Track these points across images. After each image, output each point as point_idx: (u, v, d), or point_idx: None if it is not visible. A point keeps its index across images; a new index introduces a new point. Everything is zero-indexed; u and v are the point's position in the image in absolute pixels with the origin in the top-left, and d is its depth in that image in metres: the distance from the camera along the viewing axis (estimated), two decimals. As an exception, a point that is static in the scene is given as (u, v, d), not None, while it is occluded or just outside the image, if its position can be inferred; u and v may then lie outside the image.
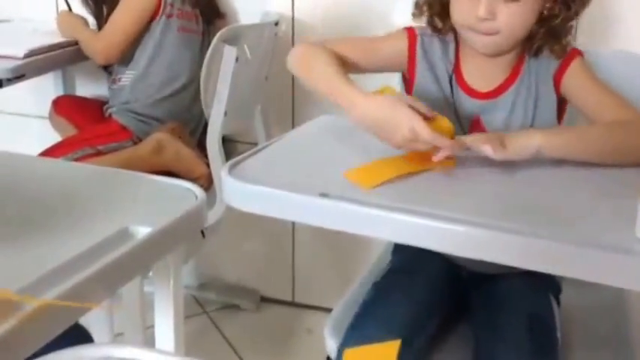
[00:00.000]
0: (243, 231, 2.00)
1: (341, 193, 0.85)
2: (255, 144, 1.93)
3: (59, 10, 1.98)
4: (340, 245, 2.02)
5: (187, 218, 0.82)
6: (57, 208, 0.81)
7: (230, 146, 1.81)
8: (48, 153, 1.65)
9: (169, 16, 1.68)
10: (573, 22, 1.12)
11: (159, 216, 0.79)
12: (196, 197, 0.86)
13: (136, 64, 1.71)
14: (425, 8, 1.14)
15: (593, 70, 1.13)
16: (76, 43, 1.73)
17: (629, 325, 1.15)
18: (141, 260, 0.75)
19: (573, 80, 1.11)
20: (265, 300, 2.13)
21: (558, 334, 1.05)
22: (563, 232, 0.77)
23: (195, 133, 1.78)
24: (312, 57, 1.09)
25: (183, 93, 1.73)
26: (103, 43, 1.68)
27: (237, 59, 1.45)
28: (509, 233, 0.77)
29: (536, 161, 0.97)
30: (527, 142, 0.97)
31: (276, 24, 1.72)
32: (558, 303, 1.13)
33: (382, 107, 0.94)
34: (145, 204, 0.84)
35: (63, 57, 1.69)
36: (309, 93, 1.85)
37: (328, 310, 1.83)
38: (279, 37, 1.77)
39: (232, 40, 1.45)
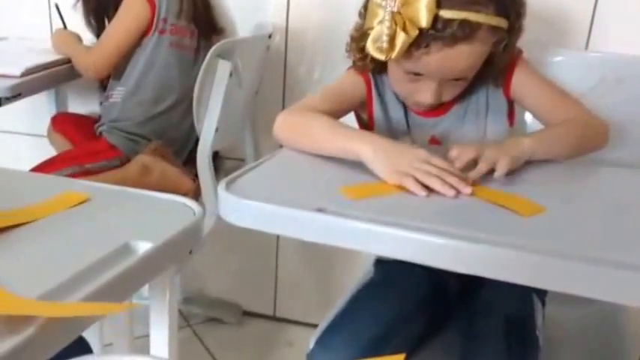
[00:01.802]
0: (226, 245, 1.97)
1: (337, 208, 0.83)
2: (243, 160, 1.91)
3: (54, 28, 1.95)
4: (323, 260, 2.00)
5: (186, 233, 0.79)
6: (57, 224, 0.78)
7: (218, 162, 1.78)
8: (37, 170, 1.60)
9: (162, 32, 1.64)
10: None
11: (158, 231, 0.76)
12: (194, 212, 0.84)
13: (126, 80, 1.67)
14: (353, 45, 1.12)
15: (535, 68, 1.14)
16: (70, 60, 1.69)
17: (620, 336, 1.15)
18: (142, 275, 0.72)
19: (521, 82, 1.11)
20: (248, 314, 2.10)
21: (538, 333, 1.03)
22: (552, 245, 0.76)
23: (184, 150, 1.75)
24: (301, 123, 1.06)
25: (172, 111, 1.69)
26: (93, 57, 1.64)
27: (230, 74, 1.43)
28: (502, 247, 0.75)
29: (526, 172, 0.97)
30: (522, 149, 0.97)
31: (270, 37, 1.70)
32: (543, 303, 1.12)
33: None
34: (144, 219, 0.82)
35: (58, 75, 1.64)
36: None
37: (309, 325, 1.82)
38: (271, 49, 1.75)
39: (226, 54, 1.43)
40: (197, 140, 1.55)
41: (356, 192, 0.88)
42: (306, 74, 1.83)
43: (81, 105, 1.99)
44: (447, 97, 1.07)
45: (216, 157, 1.66)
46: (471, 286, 1.13)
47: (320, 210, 0.83)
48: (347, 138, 0.97)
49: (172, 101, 1.68)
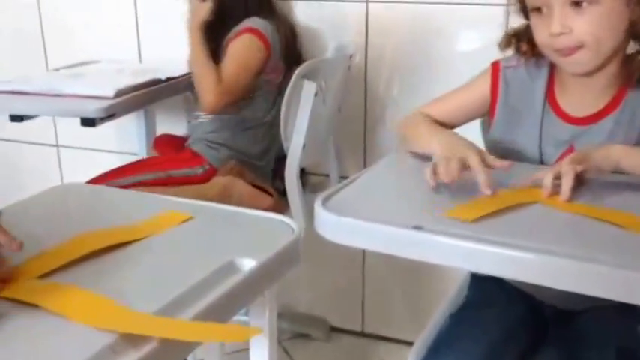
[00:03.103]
0: (314, 261, 2.00)
1: (434, 225, 0.84)
2: (327, 175, 1.95)
3: (141, 50, 2.06)
4: (411, 275, 2.00)
5: (287, 250, 0.82)
6: (164, 242, 0.83)
7: (304, 178, 1.82)
8: (123, 172, 1.67)
9: (270, 72, 1.68)
10: None
11: (261, 249, 0.80)
12: (293, 230, 0.87)
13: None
14: (513, 40, 1.14)
15: None
16: (164, 80, 1.76)
17: None
18: (247, 292, 0.75)
19: None
20: (335, 330, 2.12)
21: None
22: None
23: (266, 167, 1.80)
24: (409, 124, 1.19)
25: (257, 129, 1.74)
26: (218, 99, 1.61)
27: (315, 93, 1.47)
28: (593, 263, 0.74)
29: (624, 190, 0.94)
30: (608, 153, 0.95)
31: (351, 57, 1.73)
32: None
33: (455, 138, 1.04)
34: (246, 237, 0.85)
35: (149, 96, 1.72)
36: (381, 125, 1.89)
37: (398, 341, 1.81)
38: (352, 68, 1.79)
39: (311, 75, 1.47)
40: (278, 156, 1.61)
41: (461, 212, 0.88)
42: (385, 91, 1.86)
43: (168, 124, 2.08)
44: (578, 29, 1.01)
45: (301, 173, 1.70)
46: (565, 309, 1.11)
47: (417, 228, 0.84)
48: (431, 136, 1.07)
49: (259, 122, 1.73)
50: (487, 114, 1.19)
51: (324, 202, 0.91)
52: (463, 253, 0.81)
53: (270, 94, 1.74)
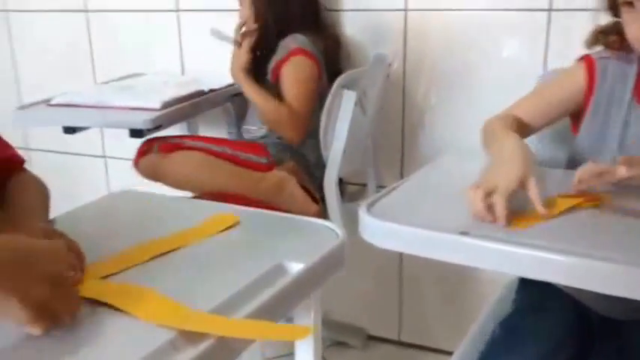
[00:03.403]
0: (351, 268, 2.00)
1: (481, 231, 0.84)
2: (365, 185, 1.95)
3: (184, 63, 2.10)
4: (448, 283, 1.99)
5: (333, 255, 0.83)
6: (215, 244, 0.84)
7: (341, 187, 1.83)
8: (193, 136, 1.76)
9: (321, 87, 1.69)
10: None
11: (308, 253, 0.80)
12: (337, 235, 0.88)
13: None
14: (600, 37, 1.11)
15: None
16: (207, 92, 1.79)
17: None
18: (295, 294, 0.76)
19: None
20: (372, 338, 2.11)
21: None
22: None
23: (320, 177, 1.80)
24: (488, 124, 1.12)
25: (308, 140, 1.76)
26: (297, 127, 1.65)
27: (355, 103, 1.48)
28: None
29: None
30: None
31: (389, 65, 1.74)
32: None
33: (508, 151, 0.95)
34: (293, 241, 0.86)
35: (193, 107, 1.75)
36: (419, 134, 1.89)
37: (435, 350, 1.79)
38: (390, 77, 1.80)
39: (351, 84, 1.49)
40: (320, 166, 1.63)
41: (524, 221, 0.87)
42: (424, 99, 1.86)
43: (210, 135, 2.12)
44: None
45: (339, 182, 1.71)
46: (612, 322, 1.09)
47: (464, 233, 0.84)
48: (494, 141, 1.01)
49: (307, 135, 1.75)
50: (575, 111, 1.16)
51: (369, 207, 0.92)
52: (511, 259, 0.81)
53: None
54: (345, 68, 1.82)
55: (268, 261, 0.78)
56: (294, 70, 1.65)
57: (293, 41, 1.66)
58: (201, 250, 0.83)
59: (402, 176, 1.93)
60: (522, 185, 0.89)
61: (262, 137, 1.79)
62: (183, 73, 2.12)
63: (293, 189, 1.65)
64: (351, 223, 0.90)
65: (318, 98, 1.66)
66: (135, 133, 1.55)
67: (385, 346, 2.09)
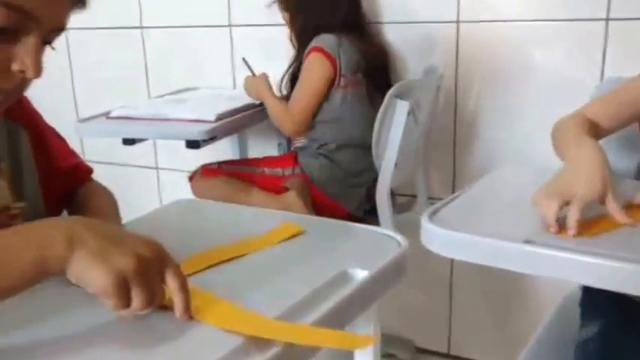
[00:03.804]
0: (400, 281, 1.98)
1: (545, 239, 0.82)
2: (414, 196, 1.93)
3: (236, 77, 2.12)
4: (499, 296, 1.95)
5: (396, 263, 0.82)
6: (281, 252, 0.84)
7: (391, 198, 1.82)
8: (232, 161, 1.86)
9: (344, 87, 1.72)
10: None
11: (371, 261, 0.79)
12: (399, 244, 0.86)
13: (314, 131, 1.77)
14: None
15: None
16: (258, 105, 1.82)
17: None
18: (360, 302, 0.75)
19: None
20: (421, 351, 2.08)
21: None
22: None
23: (361, 185, 1.80)
24: (560, 126, 1.06)
25: (350, 144, 1.76)
26: (292, 122, 1.73)
27: (408, 113, 1.47)
28: None
29: None
30: None
31: (440, 77, 1.73)
32: None
33: (587, 160, 0.90)
34: (357, 249, 0.85)
35: (246, 119, 1.78)
36: (471, 145, 1.87)
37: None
38: (441, 89, 1.78)
39: (404, 94, 1.48)
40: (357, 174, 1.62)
41: (592, 229, 0.85)
42: (475, 111, 1.84)
43: (260, 147, 2.14)
44: None
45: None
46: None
47: (528, 242, 0.82)
48: (568, 145, 0.96)
49: (347, 138, 1.75)
50: None
51: (431, 216, 0.90)
52: (581, 268, 0.78)
53: (360, 107, 1.75)
54: (395, 79, 1.82)
55: (333, 268, 0.77)
56: (305, 67, 1.71)
57: (316, 40, 1.70)
58: (267, 258, 0.82)
59: (453, 187, 1.91)
60: (601, 199, 0.86)
61: (302, 147, 1.80)
62: (234, 87, 2.15)
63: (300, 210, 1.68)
64: (401, 233, 0.88)
65: (323, 96, 1.71)
66: (191, 144, 1.57)
67: (434, 358, 2.06)
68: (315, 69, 1.70)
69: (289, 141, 2.02)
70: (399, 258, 0.83)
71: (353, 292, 0.73)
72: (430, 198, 1.91)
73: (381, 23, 1.88)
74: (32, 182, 0.87)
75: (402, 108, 1.46)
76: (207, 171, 1.82)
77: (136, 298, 0.60)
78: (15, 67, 0.68)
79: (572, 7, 1.65)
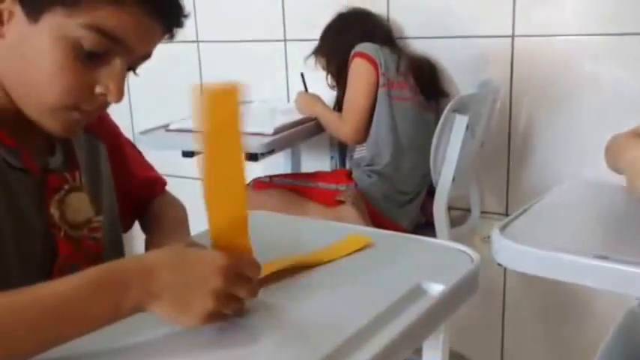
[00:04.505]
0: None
1: (618, 254, 0.81)
2: (468, 210, 1.93)
3: (290, 91, 2.16)
4: (553, 312, 1.92)
5: (469, 278, 0.82)
6: (351, 265, 0.85)
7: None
8: (288, 174, 1.89)
9: (385, 86, 1.73)
10: None
11: (445, 275, 0.79)
12: (472, 259, 0.87)
13: (368, 142, 1.78)
14: None
15: None
16: (313, 119, 1.84)
17: None
18: (436, 318, 0.75)
19: None
20: (473, 364, 2.07)
21: None
22: None
23: (414, 200, 1.81)
24: (612, 142, 1.06)
25: (402, 157, 1.77)
26: (349, 126, 1.75)
27: (467, 127, 1.47)
28: None
29: None
30: None
31: (497, 91, 1.73)
32: None
33: None
34: (428, 262, 0.85)
35: (303, 132, 1.80)
36: (525, 159, 1.85)
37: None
38: (496, 102, 1.78)
39: (462, 109, 1.48)
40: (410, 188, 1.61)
41: None
42: (530, 125, 1.82)
43: (313, 161, 2.16)
44: None
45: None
46: None
47: (602, 257, 0.82)
48: (624, 151, 0.96)
49: (399, 150, 1.76)
50: None
51: (502, 229, 0.91)
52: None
53: (407, 110, 1.76)
54: (450, 93, 1.83)
55: (407, 281, 0.77)
56: (350, 74, 1.76)
57: (357, 48, 1.75)
58: (337, 270, 0.82)
59: (507, 201, 1.90)
60: None
61: (356, 163, 1.82)
62: (288, 100, 2.18)
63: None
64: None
65: (373, 99, 1.73)
66: (250, 157, 1.60)
67: (486, 373, 2.04)
68: (360, 73, 1.74)
69: (342, 155, 2.03)
70: (473, 273, 0.83)
71: (431, 306, 0.73)
72: (484, 212, 1.90)
73: (431, 38, 1.89)
74: (110, 196, 0.89)
75: (460, 122, 1.47)
76: (258, 184, 1.84)
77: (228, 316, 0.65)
78: (98, 89, 0.71)
79: (628, 21, 1.63)
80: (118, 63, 0.70)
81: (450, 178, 1.51)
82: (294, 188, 1.80)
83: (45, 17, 0.66)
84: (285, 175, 1.91)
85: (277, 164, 2.14)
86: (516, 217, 0.95)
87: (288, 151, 2.11)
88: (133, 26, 0.68)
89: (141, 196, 0.97)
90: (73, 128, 0.74)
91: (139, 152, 1.02)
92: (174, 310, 0.62)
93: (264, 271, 0.77)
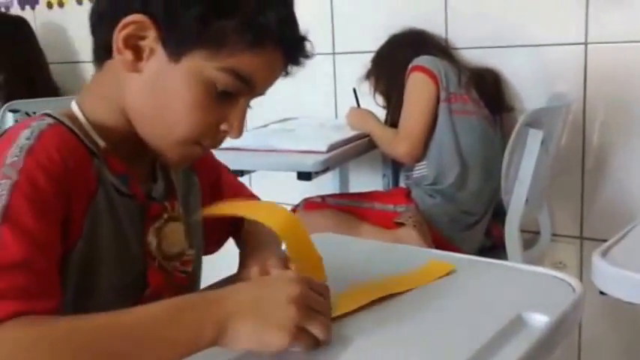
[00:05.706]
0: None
1: None
2: (538, 232, 1.85)
3: (338, 107, 2.12)
4: (628, 327, 1.83)
5: (575, 309, 0.77)
6: (434, 293, 0.80)
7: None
8: (341, 194, 1.86)
9: (446, 100, 1.70)
10: None
11: (547, 305, 0.74)
12: (573, 289, 0.81)
13: (427, 161, 1.74)
14: None
15: None
16: (366, 136, 1.81)
17: None
18: (544, 352, 0.70)
19: None
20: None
21: None
22: None
23: (479, 223, 1.74)
24: None
25: (468, 176, 1.72)
26: (406, 144, 1.71)
27: (541, 143, 1.41)
28: None
29: None
30: None
31: (570, 105, 1.68)
32: None
33: None
34: (523, 292, 0.80)
35: (357, 149, 1.77)
36: (600, 177, 1.77)
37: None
38: (569, 116, 1.72)
39: (536, 123, 1.42)
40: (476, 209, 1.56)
41: None
42: (605, 141, 1.77)
43: (363, 179, 2.11)
44: None
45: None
46: None
47: None
48: None
49: (464, 168, 1.71)
50: None
51: (604, 254, 0.85)
52: None
53: (471, 125, 1.72)
54: (518, 107, 1.77)
55: (505, 312, 0.73)
56: (407, 88, 1.73)
57: (415, 61, 1.74)
58: (422, 298, 0.79)
59: (581, 224, 1.82)
60: None
61: (415, 182, 1.76)
62: (336, 116, 2.14)
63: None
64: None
65: (432, 115, 1.70)
66: (302, 175, 1.56)
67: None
68: (418, 87, 1.71)
69: (396, 173, 1.98)
70: (578, 303, 0.78)
71: (538, 339, 0.68)
72: (555, 235, 1.83)
73: (493, 47, 1.84)
74: (198, 229, 0.89)
75: (534, 137, 1.41)
76: (310, 205, 1.80)
77: (315, 336, 0.65)
78: (223, 127, 0.76)
79: None
80: (242, 101, 0.75)
81: (524, 198, 1.45)
82: (348, 209, 1.76)
83: (185, 58, 0.72)
84: (338, 195, 1.87)
85: (324, 183, 2.10)
86: (617, 242, 0.90)
87: (336, 169, 2.07)
88: (265, 69, 0.74)
89: (234, 218, 0.95)
90: (189, 161, 0.80)
91: (232, 175, 1.03)
92: (257, 325, 0.63)
93: (342, 303, 0.74)
